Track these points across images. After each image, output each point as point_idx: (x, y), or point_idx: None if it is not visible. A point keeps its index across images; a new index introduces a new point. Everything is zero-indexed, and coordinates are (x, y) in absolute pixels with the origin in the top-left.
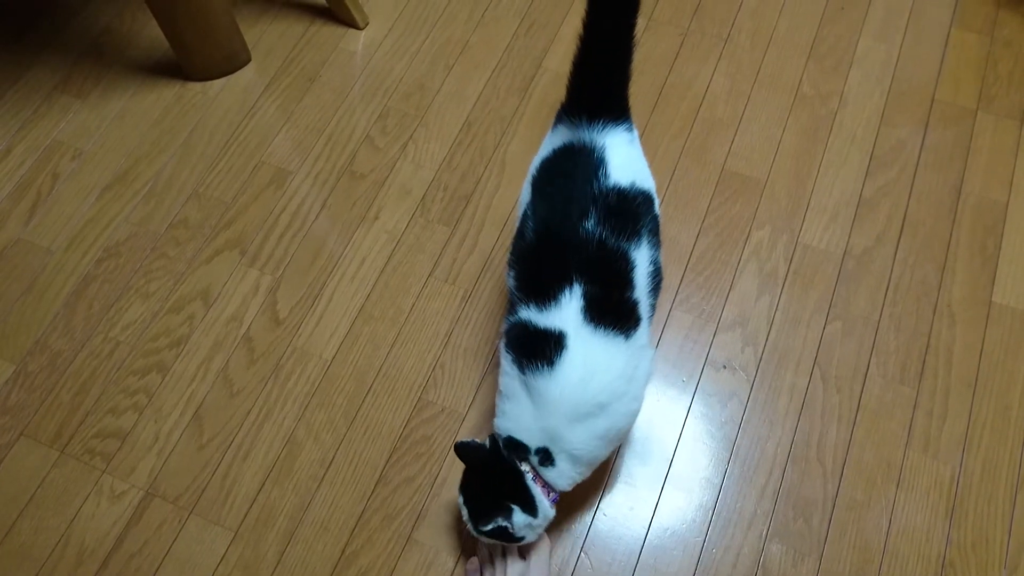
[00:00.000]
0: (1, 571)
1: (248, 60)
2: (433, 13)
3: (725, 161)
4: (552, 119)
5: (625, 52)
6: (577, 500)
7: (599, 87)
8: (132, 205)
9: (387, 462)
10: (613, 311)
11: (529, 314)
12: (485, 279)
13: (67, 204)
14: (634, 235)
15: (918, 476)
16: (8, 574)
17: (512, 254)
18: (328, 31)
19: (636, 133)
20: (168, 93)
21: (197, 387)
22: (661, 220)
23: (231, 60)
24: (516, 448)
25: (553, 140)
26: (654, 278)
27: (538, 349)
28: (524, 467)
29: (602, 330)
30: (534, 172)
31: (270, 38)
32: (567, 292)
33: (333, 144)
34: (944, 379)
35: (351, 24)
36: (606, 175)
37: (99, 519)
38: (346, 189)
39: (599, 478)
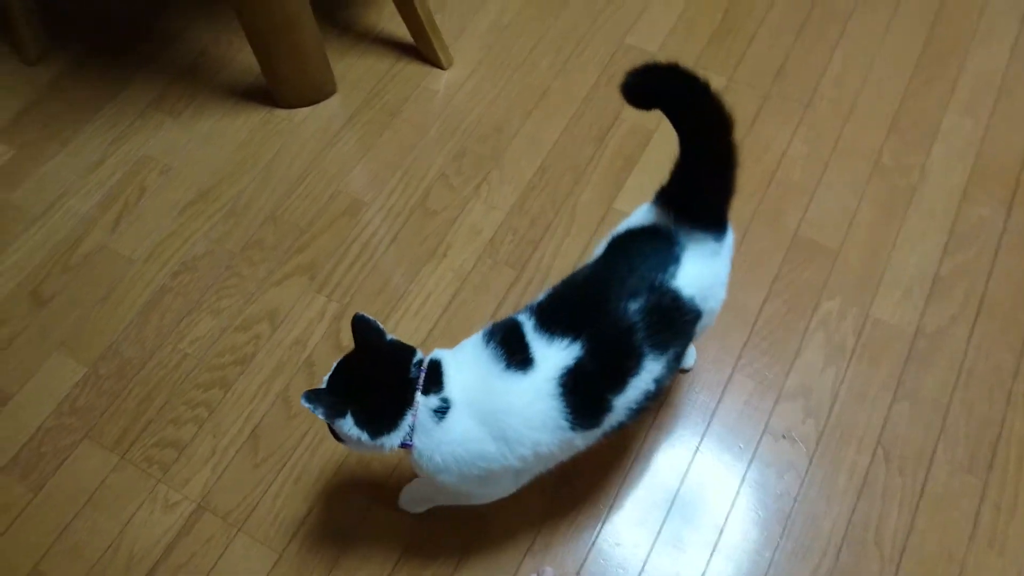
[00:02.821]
0: (53, 568)
1: (334, 91)
2: (515, 59)
3: (798, 227)
4: (627, 171)
5: (723, 171)
6: (621, 559)
7: (693, 194)
8: (212, 223)
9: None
10: (585, 397)
11: (528, 325)
12: None
13: (151, 216)
14: (661, 346)
15: (981, 573)
16: (59, 573)
17: (562, 282)
18: (413, 69)
19: (728, 246)
20: (255, 117)
21: (257, 406)
22: (728, 284)
23: (318, 90)
24: (433, 375)
25: (646, 214)
26: (646, 398)
27: (513, 352)
28: (418, 396)
29: (560, 400)
30: (617, 233)
31: (357, 72)
32: (567, 342)
33: (408, 179)
34: (1015, 472)
35: (435, 64)
36: (673, 275)
37: (151, 527)
38: (417, 224)
39: (645, 539)
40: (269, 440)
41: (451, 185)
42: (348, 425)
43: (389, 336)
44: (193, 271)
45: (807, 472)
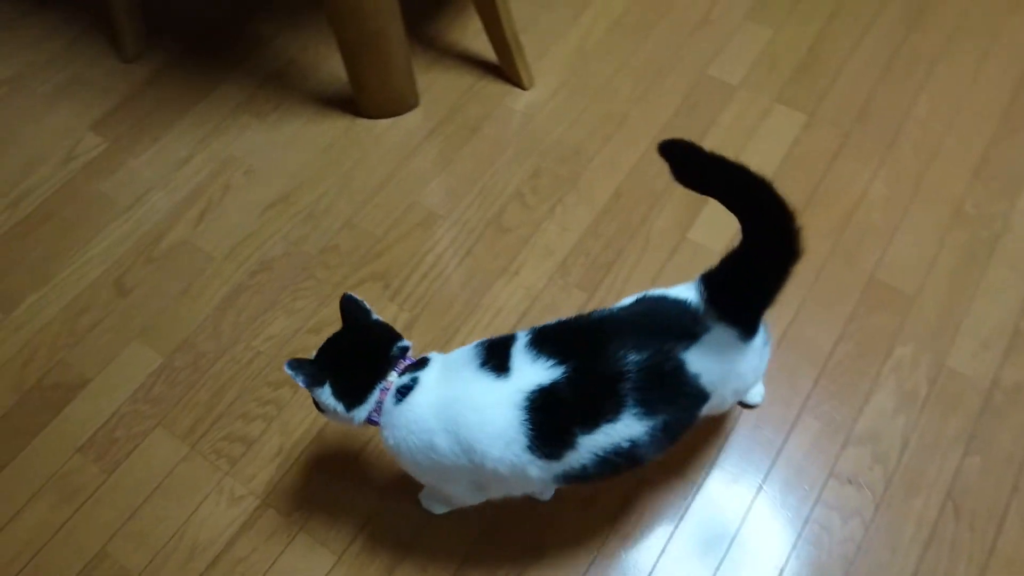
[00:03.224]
0: (119, 551)
1: (416, 104)
2: (597, 83)
3: (874, 270)
4: (703, 202)
5: (770, 283)
6: None
7: (732, 291)
8: (291, 225)
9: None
10: (551, 420)
11: (522, 341)
12: None
13: (233, 215)
14: (648, 407)
15: None
16: (124, 555)
17: (576, 316)
18: (495, 87)
19: (756, 348)
20: (338, 125)
21: None
22: (799, 320)
23: (401, 103)
24: (418, 364)
25: (685, 290)
26: (616, 454)
27: (494, 357)
28: (392, 376)
29: (524, 413)
30: (649, 294)
31: (439, 86)
32: (551, 363)
33: (485, 195)
34: None
35: (517, 84)
36: (685, 348)
37: (216, 519)
38: (491, 240)
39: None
40: (334, 442)
41: (526, 204)
42: (326, 395)
43: (375, 316)
44: (270, 271)
45: (872, 519)
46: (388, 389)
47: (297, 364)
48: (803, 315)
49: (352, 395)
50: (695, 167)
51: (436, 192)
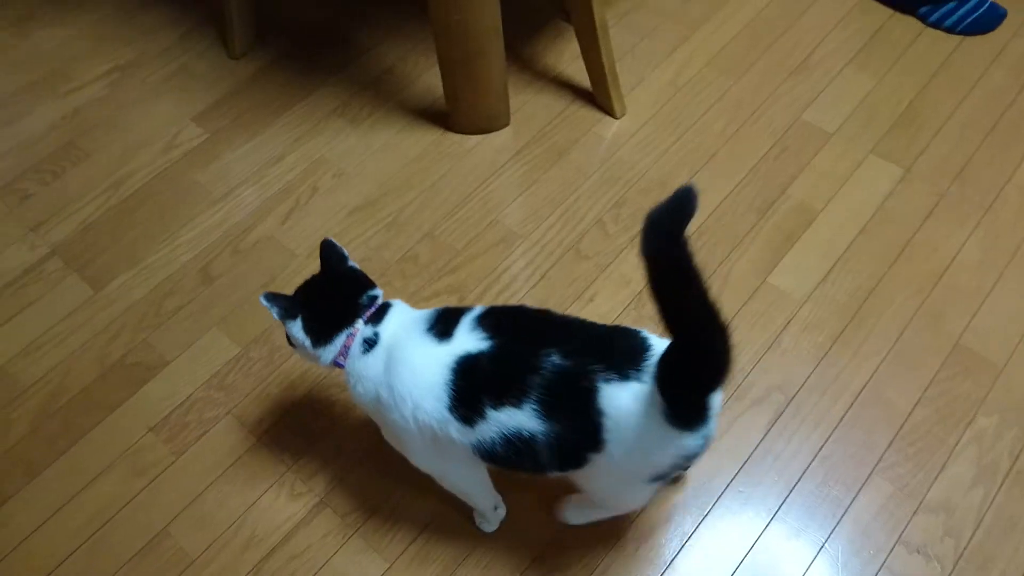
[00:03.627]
0: (180, 532)
1: (507, 124)
2: (688, 118)
3: (961, 335)
4: (787, 247)
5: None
6: None
7: (669, 369)
8: (373, 231)
9: (551, 540)
10: (468, 386)
11: (472, 314)
12: None
13: (318, 216)
14: (546, 410)
15: None
16: (184, 537)
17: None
18: (585, 113)
19: (682, 445)
20: (429, 137)
21: None
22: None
23: (493, 121)
24: (379, 313)
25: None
26: (518, 440)
27: (442, 324)
28: (359, 323)
29: (450, 374)
30: (634, 328)
31: (531, 108)
32: (484, 336)
33: (566, 220)
34: None
35: (608, 112)
36: (607, 383)
37: (275, 512)
38: (568, 265)
39: None
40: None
41: (607, 232)
42: (296, 328)
43: (351, 263)
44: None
45: None
46: (354, 336)
47: (273, 296)
48: (883, 373)
49: (319, 334)
50: (669, 264)
51: (518, 212)
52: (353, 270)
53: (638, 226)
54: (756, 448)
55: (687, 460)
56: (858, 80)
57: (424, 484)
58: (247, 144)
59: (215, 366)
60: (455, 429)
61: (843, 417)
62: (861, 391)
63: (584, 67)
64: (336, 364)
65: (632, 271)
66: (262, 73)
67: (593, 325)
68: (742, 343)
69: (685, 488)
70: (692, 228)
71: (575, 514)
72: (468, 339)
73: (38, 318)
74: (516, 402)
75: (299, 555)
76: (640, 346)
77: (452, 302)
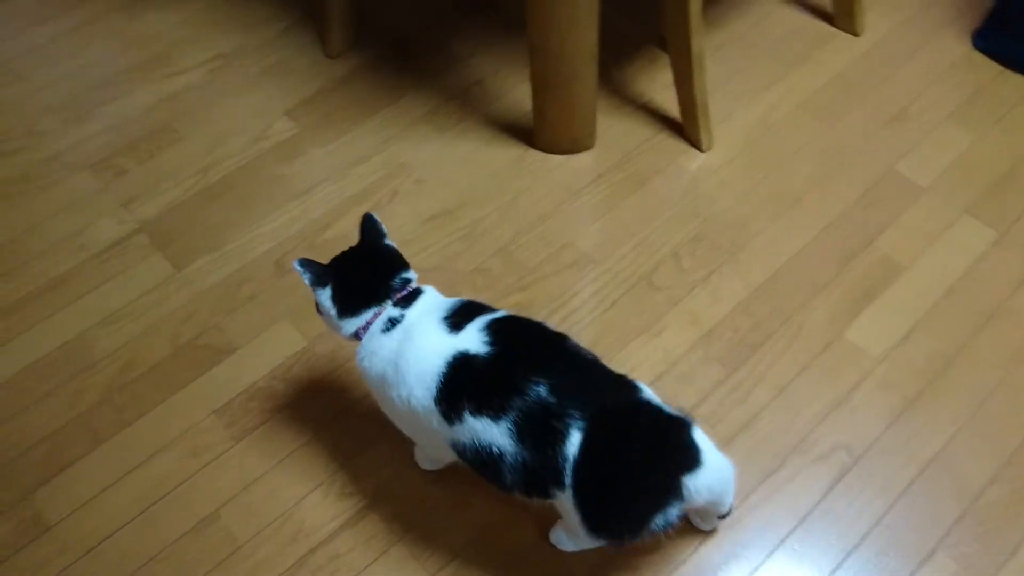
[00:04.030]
0: (230, 517)
1: (591, 147)
2: (776, 159)
3: None
4: (866, 303)
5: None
6: None
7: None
8: (448, 240)
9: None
10: (455, 382)
11: (488, 317)
12: (745, 435)
13: (396, 220)
14: (517, 436)
15: None
16: (234, 523)
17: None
18: (671, 143)
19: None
20: (511, 153)
21: None
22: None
23: (577, 143)
24: (410, 297)
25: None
26: (489, 451)
27: (457, 316)
28: (388, 304)
29: (444, 367)
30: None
31: (616, 133)
32: (487, 340)
33: (641, 249)
34: None
35: (694, 144)
36: (580, 428)
37: (323, 509)
38: (639, 296)
39: None
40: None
41: (681, 267)
42: (325, 296)
43: (388, 241)
44: (420, 281)
45: None
46: (380, 314)
47: (307, 263)
48: (957, 443)
49: (346, 306)
50: None
51: (593, 236)
52: (390, 249)
53: (714, 264)
54: (815, 507)
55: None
56: (957, 136)
57: (470, 498)
58: (334, 142)
59: (280, 357)
60: (436, 421)
61: (911, 484)
62: (932, 460)
63: (675, 97)
64: (357, 337)
65: (703, 309)
66: (356, 74)
67: (597, 367)
68: (811, 396)
69: (736, 539)
70: (769, 272)
71: (563, 540)
72: (472, 338)
73: (119, 291)
74: (494, 416)
75: (342, 555)
76: (639, 403)
77: None
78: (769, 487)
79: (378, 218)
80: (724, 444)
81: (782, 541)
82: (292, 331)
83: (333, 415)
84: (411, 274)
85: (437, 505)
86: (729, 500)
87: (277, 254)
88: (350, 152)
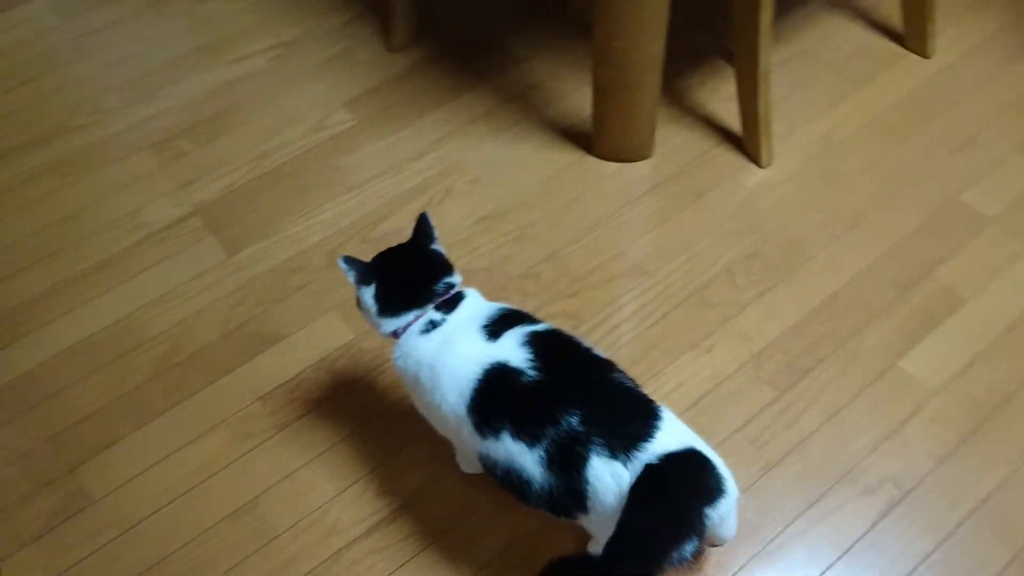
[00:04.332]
0: (269, 505)
1: (648, 156)
2: (837, 179)
3: None
4: (925, 332)
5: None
6: None
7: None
8: (498, 242)
9: None
10: (492, 392)
11: (528, 328)
12: (792, 460)
13: (447, 218)
14: (547, 463)
15: None
16: (272, 512)
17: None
18: (729, 157)
19: None
20: (567, 158)
21: None
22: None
23: (635, 151)
24: (453, 301)
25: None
26: (517, 472)
27: (496, 324)
28: (429, 308)
29: (481, 373)
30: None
31: (675, 143)
32: (528, 356)
33: (694, 264)
34: None
35: (754, 159)
36: (599, 453)
37: (361, 504)
38: (690, 311)
39: None
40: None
41: (735, 283)
42: (368, 295)
43: (436, 245)
44: (468, 282)
45: None
46: (421, 317)
47: (351, 260)
48: (1010, 485)
49: (387, 306)
50: None
51: (646, 247)
52: (437, 252)
53: (768, 283)
54: (860, 539)
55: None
56: None
57: (509, 505)
58: (391, 136)
59: (327, 349)
60: (467, 430)
61: (960, 525)
62: (984, 501)
63: (736, 109)
64: (395, 335)
65: (755, 328)
66: (416, 69)
67: (627, 391)
68: (862, 424)
69: (779, 566)
70: (825, 294)
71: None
72: (512, 350)
73: (172, 272)
74: (530, 442)
75: (378, 551)
76: (645, 431)
77: (567, 326)
78: (814, 514)
79: (431, 220)
80: (769, 467)
81: (824, 572)
82: (340, 323)
83: (376, 411)
84: (455, 278)
85: (475, 509)
86: (733, 523)
87: (329, 245)
88: (406, 147)
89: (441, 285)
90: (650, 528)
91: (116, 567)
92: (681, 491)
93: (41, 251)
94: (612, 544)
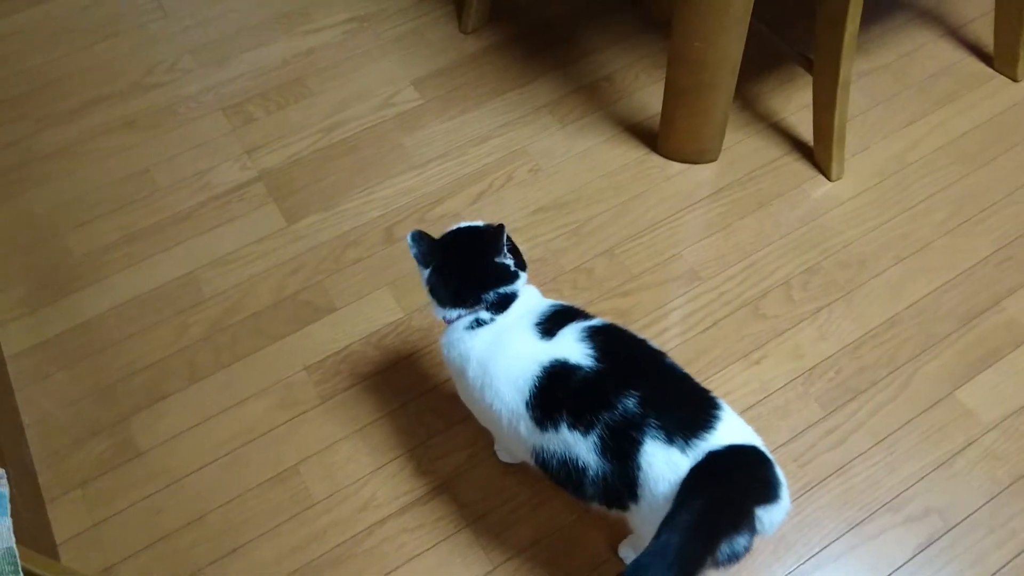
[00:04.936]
0: (308, 474)
1: (714, 159)
2: (908, 199)
3: None
4: (985, 364)
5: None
6: None
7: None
8: (555, 234)
9: None
10: (551, 390)
11: (582, 325)
12: (836, 481)
13: (506, 205)
14: (600, 449)
15: None
16: (311, 480)
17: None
18: (798, 168)
19: None
20: (632, 154)
21: None
22: None
23: (701, 154)
24: (504, 302)
25: (740, 430)
26: (567, 467)
27: (550, 322)
28: (478, 309)
29: (539, 372)
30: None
31: (743, 149)
32: (588, 351)
33: (751, 273)
34: None
35: (824, 171)
36: (654, 438)
37: (398, 482)
38: (743, 320)
39: None
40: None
41: (791, 297)
42: (425, 275)
43: (502, 258)
44: None
45: None
46: (467, 317)
47: (420, 238)
48: None
49: (439, 294)
50: None
51: (704, 252)
52: (500, 266)
53: (826, 299)
54: (898, 569)
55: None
56: None
57: (545, 498)
58: (456, 119)
59: (377, 324)
60: (525, 427)
61: (1004, 567)
62: None
63: (810, 119)
64: (445, 319)
65: (808, 345)
66: (486, 53)
67: (686, 379)
68: (911, 452)
69: None
70: (884, 316)
71: (631, 555)
72: (572, 347)
73: (233, 235)
74: (585, 430)
75: (411, 530)
76: (705, 420)
77: None
78: (854, 538)
79: (507, 235)
80: (811, 485)
81: None
82: (391, 300)
83: (420, 390)
84: (514, 286)
85: (511, 498)
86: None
87: (387, 222)
88: (470, 131)
89: (492, 294)
90: (703, 517)
91: (157, 519)
92: (739, 484)
93: (112, 203)
94: (665, 527)
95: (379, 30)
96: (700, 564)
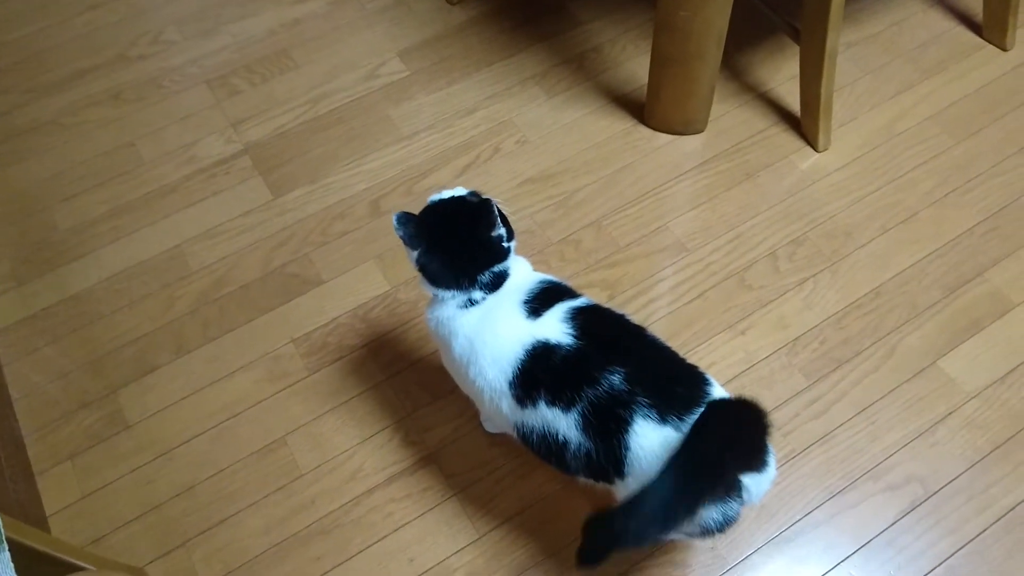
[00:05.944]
0: (297, 445)
1: (701, 131)
2: (895, 170)
3: None
4: (968, 334)
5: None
6: None
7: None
8: (541, 205)
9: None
10: (533, 369)
11: (569, 304)
12: (818, 450)
13: (493, 177)
14: (583, 426)
15: None
16: (299, 451)
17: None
18: (785, 139)
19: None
20: (619, 126)
21: None
22: None
23: (688, 125)
24: (497, 280)
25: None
26: (548, 441)
27: (537, 301)
28: (471, 291)
29: (523, 353)
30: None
31: (730, 120)
32: (571, 332)
33: (737, 244)
34: None
35: (811, 142)
36: (645, 417)
37: (385, 453)
38: (729, 291)
39: None
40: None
41: (777, 268)
42: (414, 257)
43: (496, 231)
44: None
45: None
46: (463, 296)
47: (406, 220)
48: None
49: (430, 275)
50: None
51: (690, 223)
52: (492, 241)
53: (811, 270)
54: (879, 535)
55: (701, 529)
56: None
57: (530, 469)
58: (442, 90)
59: (364, 297)
60: (506, 403)
61: (983, 532)
62: (1010, 511)
63: (797, 90)
64: (435, 295)
65: (793, 315)
66: (473, 24)
67: (674, 357)
68: (893, 421)
69: (794, 553)
70: (869, 286)
71: None
72: (554, 327)
73: (219, 209)
74: (566, 407)
75: (398, 500)
76: (697, 396)
77: (603, 297)
78: (834, 506)
79: (498, 207)
80: (794, 454)
81: (840, 563)
82: (378, 274)
83: (406, 363)
84: (505, 264)
85: (497, 468)
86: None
87: (374, 194)
88: (457, 102)
89: (487, 275)
90: (687, 470)
91: (146, 490)
92: (728, 443)
93: (97, 177)
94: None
95: (363, 1)
96: (686, 505)
